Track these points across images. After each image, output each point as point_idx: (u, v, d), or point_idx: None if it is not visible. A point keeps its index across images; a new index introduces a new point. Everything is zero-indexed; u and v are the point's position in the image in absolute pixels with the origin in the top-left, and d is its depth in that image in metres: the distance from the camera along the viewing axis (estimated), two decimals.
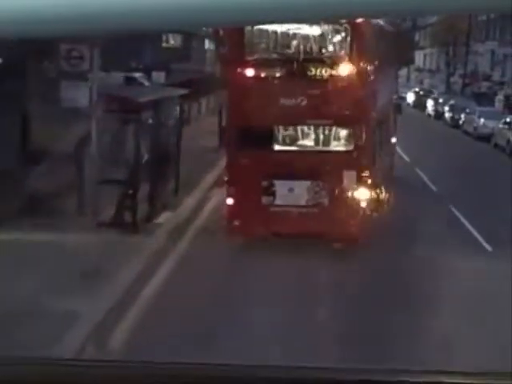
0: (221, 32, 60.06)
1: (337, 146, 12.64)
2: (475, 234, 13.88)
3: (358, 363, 6.53)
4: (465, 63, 51.61)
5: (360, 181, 11.94)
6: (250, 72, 12.30)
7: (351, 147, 12.26)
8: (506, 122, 26.59)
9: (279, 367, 1.91)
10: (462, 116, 32.97)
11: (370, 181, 12.22)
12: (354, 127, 12.24)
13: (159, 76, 34.98)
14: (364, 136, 12.22)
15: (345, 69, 12.00)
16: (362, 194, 12.00)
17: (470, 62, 53.02)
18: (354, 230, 11.70)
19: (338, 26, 12.45)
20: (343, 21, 11.21)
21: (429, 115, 41.38)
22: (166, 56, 49.89)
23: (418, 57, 76.11)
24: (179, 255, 12.21)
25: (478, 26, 53.44)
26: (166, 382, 1.75)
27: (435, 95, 44.43)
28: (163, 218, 14.12)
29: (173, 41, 56.43)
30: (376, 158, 13.21)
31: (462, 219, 14.89)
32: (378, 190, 12.91)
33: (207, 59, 54.90)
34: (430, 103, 42.13)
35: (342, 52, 12.54)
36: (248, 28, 11.84)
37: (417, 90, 51.81)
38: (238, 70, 12.39)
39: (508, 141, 25.10)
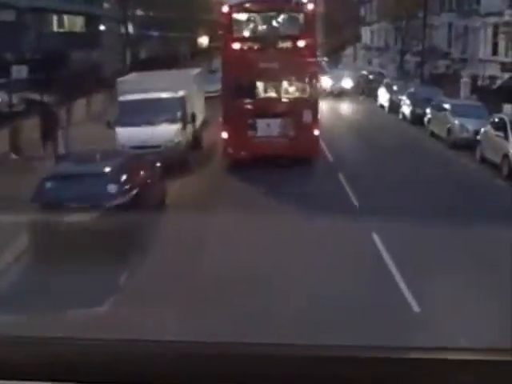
0: (131, 13, 49.34)
1: (298, 94, 18.66)
2: None
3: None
4: (421, 39, 43.06)
5: (313, 116, 18.37)
6: (237, 46, 18.43)
7: (307, 95, 18.52)
8: (498, 125, 17.89)
9: (270, 344, 1.87)
10: (428, 111, 24.37)
11: (318, 116, 18.72)
12: (309, 81, 18.61)
13: (20, 70, 25.93)
14: (314, 87, 18.82)
15: (301, 43, 18.30)
16: (315, 125, 18.35)
17: (424, 38, 44.55)
18: (311, 150, 18.16)
19: (296, 14, 18.87)
20: (299, 9, 18.67)
21: (381, 106, 32.85)
22: (60, 43, 40.57)
23: (365, 34, 68.52)
24: None
25: None
26: (166, 359, 1.73)
27: (388, 80, 35.80)
28: None
29: (71, 24, 46.92)
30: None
31: None
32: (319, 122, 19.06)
33: (121, 46, 45.47)
34: (382, 91, 33.47)
35: (300, 31, 18.52)
36: (234, 16, 18.68)
37: (365, 72, 43.40)
38: (229, 44, 18.40)
39: (505, 156, 16.47)
